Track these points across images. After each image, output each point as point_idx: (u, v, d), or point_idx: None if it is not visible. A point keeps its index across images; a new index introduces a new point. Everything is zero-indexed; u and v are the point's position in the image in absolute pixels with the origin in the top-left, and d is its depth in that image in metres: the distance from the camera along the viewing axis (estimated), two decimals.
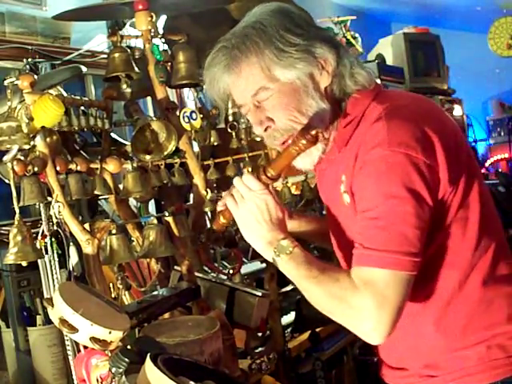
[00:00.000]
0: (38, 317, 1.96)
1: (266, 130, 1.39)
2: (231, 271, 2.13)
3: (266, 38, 1.33)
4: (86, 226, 1.66)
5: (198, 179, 1.97)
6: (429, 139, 1.27)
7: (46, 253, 1.59)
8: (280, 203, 1.37)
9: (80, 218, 1.86)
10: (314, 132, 1.28)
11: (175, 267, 1.98)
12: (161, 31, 1.95)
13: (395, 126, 1.27)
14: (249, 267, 2.47)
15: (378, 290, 1.22)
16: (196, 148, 2.05)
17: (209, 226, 2.11)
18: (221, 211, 1.45)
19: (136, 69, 1.88)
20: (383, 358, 1.51)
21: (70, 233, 1.63)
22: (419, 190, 1.24)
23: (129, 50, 1.89)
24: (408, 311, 1.33)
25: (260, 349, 2.23)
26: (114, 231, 1.71)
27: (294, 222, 1.65)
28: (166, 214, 1.86)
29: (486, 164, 6.33)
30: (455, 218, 1.33)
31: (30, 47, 2.64)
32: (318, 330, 2.48)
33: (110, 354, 1.39)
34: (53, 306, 1.39)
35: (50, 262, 1.60)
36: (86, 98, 1.86)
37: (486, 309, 1.36)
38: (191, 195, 2.07)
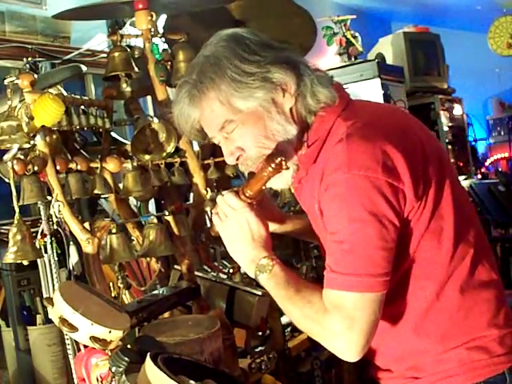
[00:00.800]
0: (38, 316, 1.96)
1: (237, 158, 1.41)
2: (231, 270, 2.13)
3: (220, 72, 1.33)
4: (86, 225, 1.66)
5: (198, 178, 1.97)
6: (390, 159, 1.26)
7: (46, 252, 1.59)
8: (264, 220, 1.40)
9: (79, 217, 1.86)
10: (277, 160, 1.31)
11: (175, 266, 1.98)
12: (161, 30, 1.95)
13: (356, 147, 1.27)
14: None
15: (347, 313, 1.25)
16: (196, 147, 2.05)
17: (209, 225, 2.11)
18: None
19: (136, 68, 1.88)
20: (371, 359, 1.52)
21: (70, 232, 1.63)
22: (383, 211, 1.24)
23: (129, 50, 1.89)
24: (388, 319, 1.37)
25: (260, 348, 2.22)
26: (114, 230, 1.71)
27: (287, 225, 1.66)
28: (166, 213, 1.86)
29: (486, 163, 6.33)
30: (428, 230, 1.32)
31: (29, 46, 2.64)
32: None
33: (110, 354, 1.39)
34: (53, 305, 1.39)
35: (50, 261, 1.60)
36: (86, 97, 1.86)
37: (466, 315, 1.36)
38: (191, 194, 2.07)
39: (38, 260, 1.61)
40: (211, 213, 2.01)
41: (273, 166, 1.31)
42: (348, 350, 1.27)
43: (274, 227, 1.59)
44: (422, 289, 1.36)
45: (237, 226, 1.37)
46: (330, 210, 1.30)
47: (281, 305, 1.36)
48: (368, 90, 4.05)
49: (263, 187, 1.38)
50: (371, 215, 1.24)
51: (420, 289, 1.36)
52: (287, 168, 1.35)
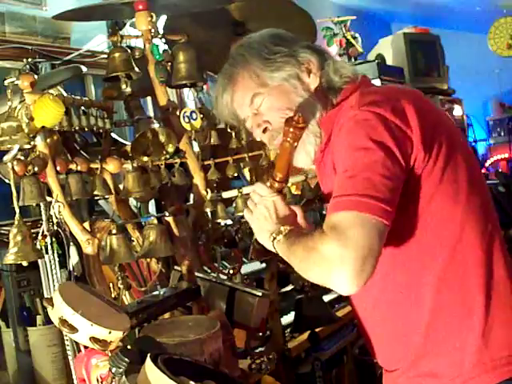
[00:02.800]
0: (38, 317, 1.96)
1: (264, 131, 1.48)
2: (231, 271, 2.13)
3: (252, 51, 1.48)
4: (86, 225, 1.66)
5: (198, 179, 1.97)
6: (401, 105, 1.31)
7: (46, 253, 1.59)
8: (289, 207, 1.44)
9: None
10: (296, 117, 1.36)
11: (175, 267, 1.98)
12: (161, 31, 1.95)
13: (368, 92, 1.38)
14: (249, 267, 2.47)
15: (341, 232, 1.21)
16: (196, 148, 2.05)
17: (209, 225, 2.11)
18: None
19: (136, 69, 1.88)
20: (379, 362, 1.51)
21: (70, 233, 1.63)
22: (387, 143, 1.26)
23: (129, 50, 1.89)
24: (397, 306, 1.37)
25: (260, 349, 2.23)
26: (114, 231, 1.71)
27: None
28: (166, 214, 1.86)
29: (486, 164, 6.33)
30: (439, 190, 1.32)
31: (30, 47, 2.64)
32: (317, 330, 2.48)
33: (110, 354, 1.39)
34: (53, 305, 1.39)
35: (50, 261, 1.60)
36: (87, 98, 1.86)
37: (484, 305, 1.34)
38: (191, 195, 2.07)
39: (39, 261, 1.61)
40: (210, 212, 2.03)
41: (292, 124, 1.36)
42: (342, 275, 1.19)
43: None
44: (435, 261, 1.34)
45: (264, 210, 1.41)
46: (339, 149, 1.33)
47: (287, 254, 1.34)
48: None
49: (290, 161, 1.42)
50: (375, 143, 1.26)
51: (433, 261, 1.34)
52: (307, 123, 1.40)
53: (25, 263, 1.50)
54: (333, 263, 1.21)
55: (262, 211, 1.41)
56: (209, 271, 2.06)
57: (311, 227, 1.51)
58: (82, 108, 1.78)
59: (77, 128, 1.75)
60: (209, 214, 2.06)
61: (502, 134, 6.62)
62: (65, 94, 1.88)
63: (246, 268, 2.40)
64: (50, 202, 1.59)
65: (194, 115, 1.92)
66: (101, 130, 1.86)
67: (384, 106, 1.30)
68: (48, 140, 1.60)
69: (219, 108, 1.54)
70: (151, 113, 2.96)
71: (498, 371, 1.32)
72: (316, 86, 1.47)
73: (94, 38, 2.92)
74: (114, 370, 1.29)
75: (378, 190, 1.23)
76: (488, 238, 1.36)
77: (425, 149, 1.30)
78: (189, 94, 3.20)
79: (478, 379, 1.33)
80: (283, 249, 1.35)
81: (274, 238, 1.36)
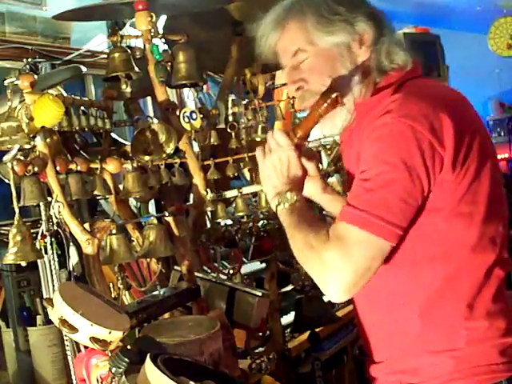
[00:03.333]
0: (37, 317, 1.96)
1: (297, 89, 1.45)
2: (231, 271, 2.13)
3: (312, 3, 1.41)
4: (86, 225, 1.66)
5: (198, 179, 1.97)
6: (439, 121, 1.26)
7: (46, 253, 1.59)
8: (302, 164, 1.42)
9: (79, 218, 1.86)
10: (334, 95, 1.33)
11: (175, 267, 1.98)
12: (161, 31, 1.95)
13: (409, 99, 1.30)
14: (249, 267, 2.47)
15: (346, 245, 1.24)
16: (196, 148, 2.05)
17: (209, 225, 2.11)
18: None
19: (136, 69, 1.88)
20: (368, 352, 1.51)
21: (70, 233, 1.63)
22: (415, 165, 1.24)
23: (129, 50, 1.88)
24: (395, 300, 1.37)
25: (260, 349, 2.23)
26: (114, 231, 1.71)
27: (325, 196, 1.63)
28: (166, 214, 1.86)
29: None
30: (456, 211, 1.31)
31: (30, 47, 2.64)
32: (317, 330, 2.48)
33: (110, 354, 1.39)
34: (53, 306, 1.39)
35: (50, 262, 1.60)
36: (86, 98, 1.86)
37: (474, 314, 1.34)
38: (191, 195, 2.07)
39: (39, 261, 1.61)
40: (210, 213, 2.02)
41: (328, 101, 1.34)
42: (335, 284, 1.25)
43: (316, 187, 1.59)
44: (434, 273, 1.34)
45: (277, 161, 1.40)
46: (367, 150, 1.30)
47: (288, 232, 1.36)
48: None
49: (314, 126, 1.41)
50: (402, 163, 1.23)
51: (432, 272, 1.34)
52: (343, 104, 1.37)
53: (24, 263, 1.50)
54: (330, 271, 1.25)
55: (274, 162, 1.40)
56: (209, 271, 2.06)
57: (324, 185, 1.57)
58: (82, 108, 1.78)
59: (77, 128, 1.75)
60: (209, 213, 2.06)
61: (502, 134, 6.62)
62: (65, 94, 1.88)
63: (246, 268, 2.40)
64: (50, 202, 1.59)
65: (194, 115, 1.92)
66: (101, 130, 1.86)
67: (422, 122, 1.25)
68: (48, 140, 1.60)
69: (262, 45, 1.48)
70: (151, 113, 2.96)
71: (476, 378, 1.33)
72: (363, 60, 1.41)
73: (93, 38, 2.93)
74: (113, 369, 1.29)
75: (391, 212, 1.24)
76: (491, 261, 1.35)
77: (454, 170, 1.28)
78: (189, 94, 3.21)
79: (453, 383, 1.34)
80: (284, 220, 1.38)
81: (279, 204, 1.38)
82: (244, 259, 2.32)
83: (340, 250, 1.24)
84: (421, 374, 1.37)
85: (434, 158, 1.25)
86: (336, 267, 1.24)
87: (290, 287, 2.50)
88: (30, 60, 2.54)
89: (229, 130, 2.12)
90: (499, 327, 1.35)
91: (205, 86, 3.19)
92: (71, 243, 1.64)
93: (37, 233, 1.59)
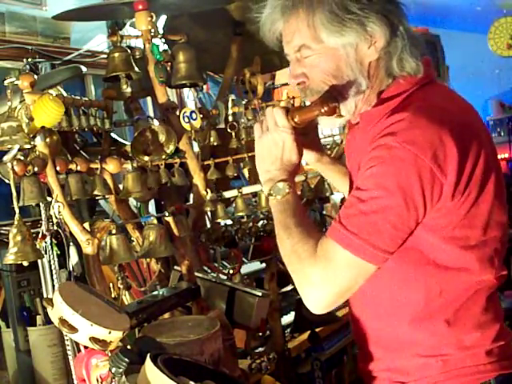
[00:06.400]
0: (37, 317, 1.96)
1: (299, 84, 1.40)
2: (231, 271, 2.13)
3: None
4: (86, 225, 1.66)
5: (198, 179, 1.97)
6: (444, 150, 1.22)
7: (46, 253, 1.59)
8: (299, 148, 1.39)
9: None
10: (332, 105, 1.31)
11: (175, 267, 1.98)
12: (161, 31, 1.95)
13: (417, 123, 1.24)
14: (249, 267, 2.47)
15: (331, 266, 1.25)
16: (196, 148, 2.05)
17: (209, 225, 2.11)
18: None
19: (136, 69, 1.88)
20: (359, 352, 1.52)
21: (70, 233, 1.63)
22: (412, 194, 1.22)
23: (129, 50, 1.89)
24: (387, 305, 1.38)
25: (260, 349, 2.23)
26: (113, 231, 1.70)
27: (321, 165, 1.63)
28: (166, 214, 1.86)
29: None
30: (451, 236, 1.29)
31: (30, 47, 2.64)
32: (317, 330, 2.48)
33: (109, 354, 1.39)
34: (53, 306, 1.39)
35: (50, 262, 1.60)
36: (86, 98, 1.86)
37: (461, 320, 1.34)
38: (191, 195, 2.07)
39: (39, 261, 1.61)
40: (210, 213, 2.02)
41: (325, 109, 1.31)
42: (314, 301, 1.28)
43: (309, 157, 1.58)
44: (426, 288, 1.33)
45: (272, 142, 1.37)
46: (367, 168, 1.27)
47: (278, 231, 1.35)
48: None
49: (310, 120, 1.39)
50: (400, 190, 1.22)
51: (423, 287, 1.33)
52: (340, 116, 1.35)
53: (24, 263, 1.50)
54: (311, 287, 1.27)
55: (269, 142, 1.37)
56: (209, 271, 2.05)
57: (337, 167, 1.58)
58: (82, 108, 1.78)
59: (77, 128, 1.75)
60: (209, 213, 2.06)
61: (502, 134, 6.62)
62: (65, 94, 1.88)
63: (246, 268, 2.40)
64: (50, 202, 1.59)
65: (194, 115, 1.92)
66: (101, 130, 1.86)
67: (426, 150, 1.21)
68: (48, 140, 1.60)
69: (265, 27, 1.40)
70: (151, 113, 2.96)
71: (464, 379, 1.34)
72: (371, 60, 1.35)
73: (93, 38, 2.93)
74: (113, 369, 1.29)
75: (380, 239, 1.23)
76: (486, 280, 1.35)
77: (453, 198, 1.25)
78: (189, 94, 3.21)
79: None
80: (274, 213, 1.37)
81: (270, 193, 1.37)
82: (244, 259, 2.31)
83: (324, 269, 1.25)
84: (410, 373, 1.38)
85: (434, 186, 1.23)
86: (318, 285, 1.26)
87: (290, 287, 2.50)
88: (30, 60, 2.54)
89: (229, 130, 2.12)
90: (490, 335, 1.36)
91: (205, 86, 3.19)
92: (71, 243, 1.64)
93: (37, 233, 1.59)
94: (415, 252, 1.31)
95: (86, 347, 1.49)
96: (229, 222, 2.15)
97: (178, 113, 1.92)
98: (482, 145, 1.30)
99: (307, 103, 1.41)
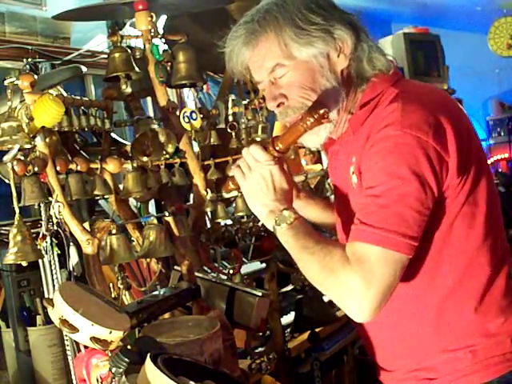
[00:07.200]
0: (38, 317, 1.96)
1: (278, 105, 1.40)
2: (231, 271, 2.13)
3: (286, 14, 1.35)
4: (86, 225, 1.66)
5: (198, 179, 1.97)
6: (441, 126, 1.26)
7: (46, 253, 1.59)
8: (288, 175, 1.39)
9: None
10: (321, 111, 1.29)
11: (175, 267, 1.98)
12: (161, 31, 1.95)
13: (410, 108, 1.27)
14: (249, 267, 2.47)
15: (369, 267, 1.22)
16: (196, 148, 2.05)
17: (209, 225, 2.11)
18: (231, 177, 1.47)
19: (136, 69, 1.88)
20: (378, 362, 1.51)
21: (70, 233, 1.63)
22: (425, 175, 1.23)
23: (129, 50, 1.89)
24: (406, 307, 1.36)
25: (260, 349, 2.23)
26: (114, 231, 1.71)
27: (300, 201, 1.64)
28: (166, 214, 1.86)
29: None
30: (460, 213, 1.31)
31: (30, 47, 2.64)
32: (317, 330, 2.48)
33: (110, 354, 1.39)
34: (53, 305, 1.39)
35: (50, 262, 1.60)
36: (86, 98, 1.86)
37: (481, 310, 1.35)
38: (191, 195, 2.07)
39: (39, 261, 1.61)
40: (211, 212, 2.02)
41: (315, 116, 1.29)
42: (360, 308, 1.23)
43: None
44: (444, 276, 1.34)
45: (259, 178, 1.36)
46: (373, 165, 1.27)
47: (297, 255, 1.32)
48: None
49: (296, 140, 1.37)
50: (414, 175, 1.22)
51: (442, 276, 1.34)
52: (329, 121, 1.34)
53: (24, 263, 1.50)
54: (354, 295, 1.23)
55: (257, 180, 1.36)
56: (209, 271, 2.06)
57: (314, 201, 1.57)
58: (82, 108, 1.78)
59: (77, 128, 1.75)
60: (209, 213, 2.06)
61: (502, 134, 6.62)
62: (65, 94, 1.88)
63: (246, 268, 2.40)
64: (50, 202, 1.59)
65: (194, 115, 1.92)
66: (101, 130, 1.86)
67: (426, 130, 1.24)
68: (48, 140, 1.60)
69: (233, 60, 1.42)
70: (151, 113, 2.96)
71: (492, 369, 1.34)
72: (343, 68, 1.38)
73: (93, 38, 2.92)
74: (113, 369, 1.29)
75: (408, 227, 1.23)
76: (497, 259, 1.37)
77: (458, 175, 1.28)
78: (189, 94, 3.20)
79: (469, 377, 1.35)
80: (286, 242, 1.34)
81: (276, 223, 1.34)
82: (244, 259, 2.31)
83: (363, 273, 1.22)
84: (437, 370, 1.38)
85: (442, 165, 1.25)
86: (360, 291, 1.22)
87: (290, 287, 2.50)
88: (30, 60, 2.54)
89: (229, 130, 2.12)
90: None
91: (205, 86, 3.19)
92: (71, 243, 1.64)
93: (37, 233, 1.59)
94: (429, 246, 1.32)
95: (86, 347, 1.49)
96: (229, 222, 2.15)
97: (178, 113, 1.92)
98: (467, 125, 1.35)
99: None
